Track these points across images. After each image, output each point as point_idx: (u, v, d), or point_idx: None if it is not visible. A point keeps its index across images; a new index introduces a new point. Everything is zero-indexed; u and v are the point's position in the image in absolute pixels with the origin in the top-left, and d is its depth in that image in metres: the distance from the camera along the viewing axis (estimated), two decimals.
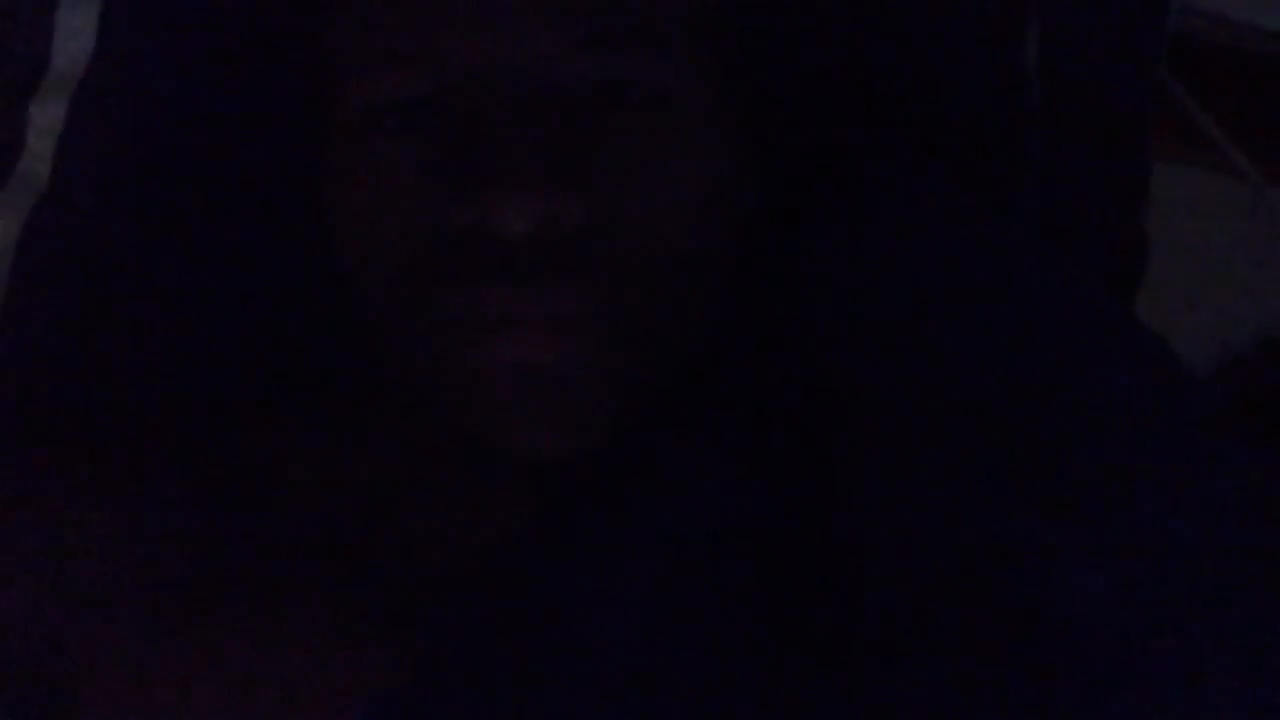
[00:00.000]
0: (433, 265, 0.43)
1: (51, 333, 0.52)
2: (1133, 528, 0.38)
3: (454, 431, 0.46)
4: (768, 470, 0.45)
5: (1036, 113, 0.57)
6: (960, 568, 0.39)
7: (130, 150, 0.53)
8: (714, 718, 0.41)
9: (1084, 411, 0.41)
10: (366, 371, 0.49)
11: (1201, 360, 0.43)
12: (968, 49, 0.57)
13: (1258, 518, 0.39)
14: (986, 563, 0.39)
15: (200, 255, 0.53)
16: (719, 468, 0.45)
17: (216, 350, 0.53)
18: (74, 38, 0.51)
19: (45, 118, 0.51)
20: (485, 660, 0.43)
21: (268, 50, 0.53)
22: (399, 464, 0.48)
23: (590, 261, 0.43)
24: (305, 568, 0.45)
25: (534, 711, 0.41)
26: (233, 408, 0.50)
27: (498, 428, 0.44)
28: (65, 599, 0.45)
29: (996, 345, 0.43)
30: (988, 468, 0.41)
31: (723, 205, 0.46)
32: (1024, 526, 0.39)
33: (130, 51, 0.52)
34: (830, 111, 0.55)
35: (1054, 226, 0.58)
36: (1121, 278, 0.58)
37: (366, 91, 0.44)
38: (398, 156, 0.44)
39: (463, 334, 0.43)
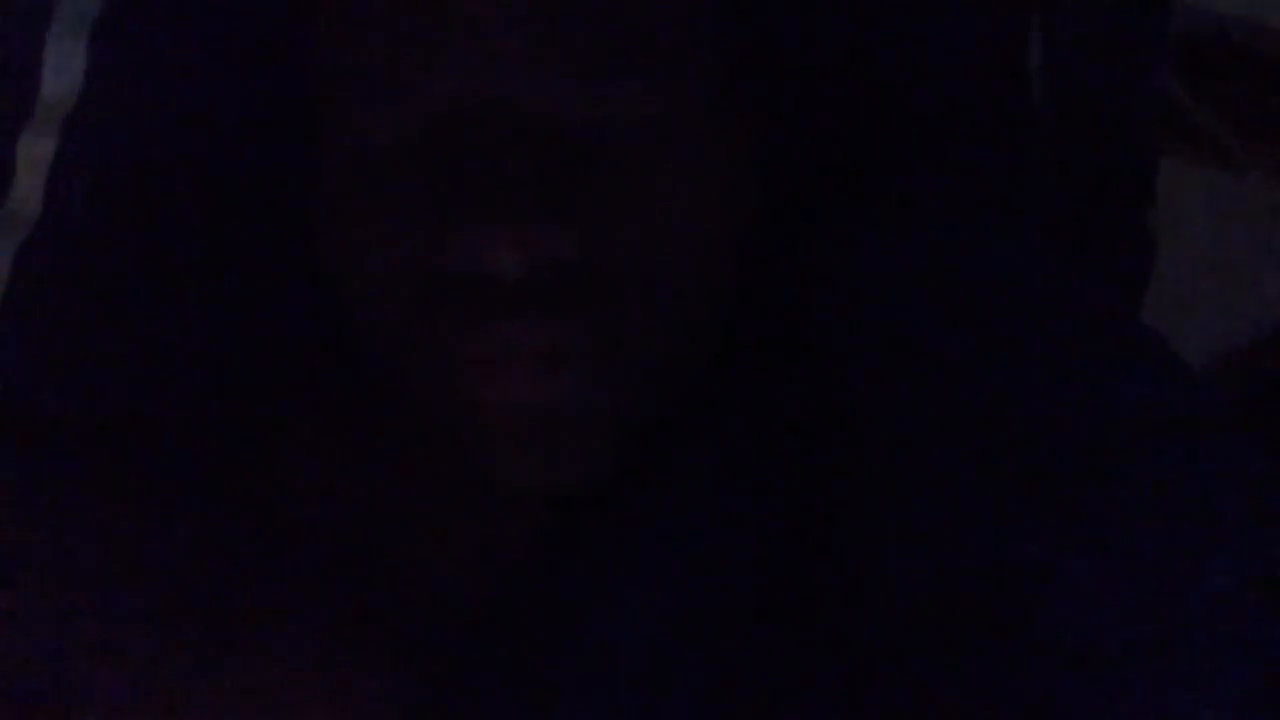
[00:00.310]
0: (426, 302, 0.43)
1: (49, 359, 0.51)
2: (1134, 539, 0.38)
3: (457, 461, 0.45)
4: (773, 485, 0.45)
5: (1039, 115, 0.57)
6: (961, 579, 0.39)
7: (123, 180, 0.52)
8: None
9: (1088, 424, 0.41)
10: (371, 393, 0.48)
11: (1199, 359, 0.43)
12: (969, 52, 0.56)
13: (1261, 525, 0.39)
14: (987, 574, 0.39)
15: (196, 281, 0.53)
16: (724, 485, 0.45)
17: (215, 373, 0.53)
18: (64, 70, 0.50)
19: (35, 151, 0.50)
20: (495, 681, 0.43)
21: (259, 82, 0.52)
22: (406, 486, 0.48)
23: (585, 295, 0.42)
24: (313, 588, 0.45)
25: None
26: (235, 431, 0.49)
27: (498, 462, 0.43)
28: (68, 614, 0.44)
29: (1002, 356, 0.43)
30: (990, 479, 0.40)
31: (722, 226, 0.45)
32: (1025, 537, 0.39)
33: (120, 81, 0.51)
34: (831, 122, 0.55)
35: (1059, 229, 0.57)
36: (1128, 280, 0.58)
37: (356, 127, 0.44)
38: (387, 193, 0.43)
39: (459, 371, 0.43)
